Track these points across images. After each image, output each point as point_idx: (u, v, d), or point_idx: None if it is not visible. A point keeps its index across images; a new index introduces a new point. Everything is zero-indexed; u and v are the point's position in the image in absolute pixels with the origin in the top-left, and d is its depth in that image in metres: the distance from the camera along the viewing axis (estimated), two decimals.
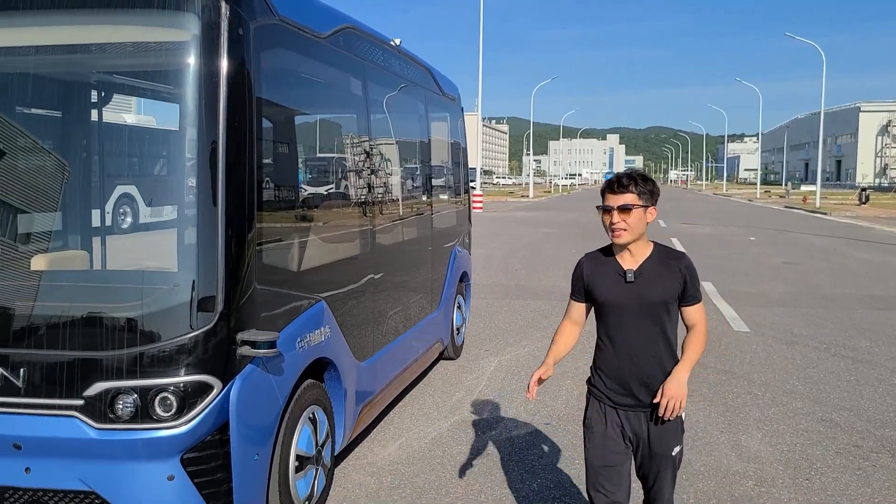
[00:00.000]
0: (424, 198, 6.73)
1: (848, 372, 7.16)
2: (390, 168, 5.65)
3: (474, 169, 40.37)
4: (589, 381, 3.11)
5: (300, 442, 3.83)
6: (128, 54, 3.76)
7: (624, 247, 2.95)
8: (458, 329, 7.52)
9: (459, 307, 7.58)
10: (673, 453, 2.99)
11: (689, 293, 2.95)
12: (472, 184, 38.22)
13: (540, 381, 3.07)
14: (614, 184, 2.93)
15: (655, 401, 2.88)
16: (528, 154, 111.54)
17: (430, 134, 6.88)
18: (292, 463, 3.76)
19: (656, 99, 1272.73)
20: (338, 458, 4.54)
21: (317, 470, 4.03)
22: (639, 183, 2.90)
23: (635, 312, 2.93)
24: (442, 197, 7.46)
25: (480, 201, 35.98)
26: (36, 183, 4.54)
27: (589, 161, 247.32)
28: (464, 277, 7.82)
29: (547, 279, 13.25)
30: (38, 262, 4.11)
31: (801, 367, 7.32)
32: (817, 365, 7.41)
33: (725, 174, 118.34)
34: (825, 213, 36.44)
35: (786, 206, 45.32)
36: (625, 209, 2.87)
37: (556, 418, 5.74)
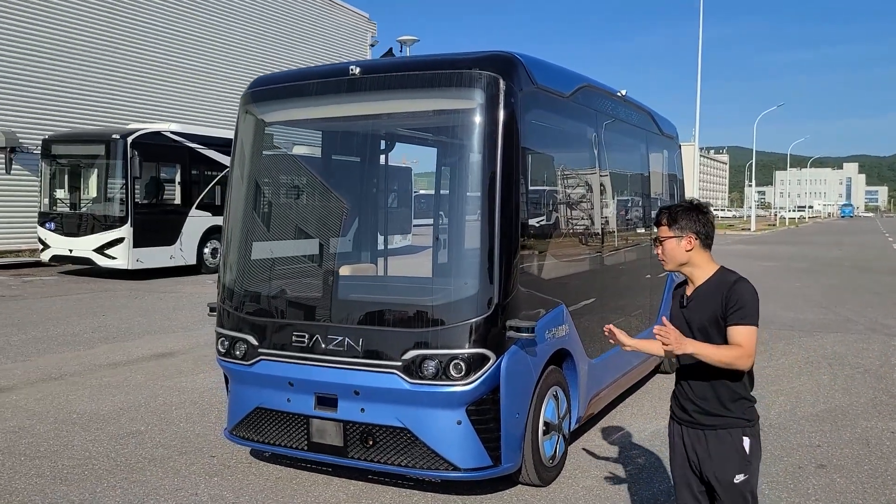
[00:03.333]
0: (645, 225, 7.60)
1: None
2: (616, 201, 6.63)
3: None
4: None
5: (547, 412, 4.91)
6: (431, 117, 5.14)
7: (686, 276, 3.16)
8: None
9: None
10: (735, 481, 2.97)
11: (728, 312, 2.95)
12: None
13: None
14: (655, 217, 3.21)
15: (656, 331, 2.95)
16: (749, 185, 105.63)
17: (650, 170, 7.76)
18: (541, 426, 4.84)
19: None
20: (570, 439, 5.53)
21: (558, 436, 5.08)
22: (671, 215, 3.11)
23: (687, 335, 3.01)
24: None
25: None
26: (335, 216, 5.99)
27: (822, 192, 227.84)
28: None
29: (764, 309, 13.22)
30: (345, 271, 5.61)
31: None
32: None
33: None
34: None
35: None
36: (658, 241, 3.16)
37: (766, 425, 6.30)
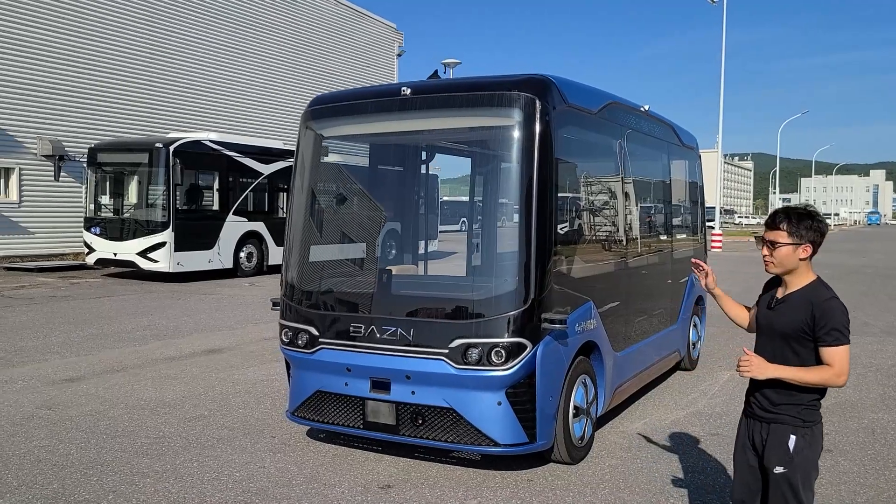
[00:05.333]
0: (667, 230, 8.13)
1: None
2: (640, 208, 7.16)
3: (713, 208, 39.85)
4: None
5: (576, 397, 5.46)
6: (473, 132, 5.73)
7: (781, 277, 3.25)
8: (693, 344, 8.75)
9: (695, 326, 8.80)
10: (776, 471, 3.14)
11: (818, 333, 3.05)
12: (712, 223, 37.39)
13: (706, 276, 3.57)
14: (771, 219, 3.22)
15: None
16: (773, 192, 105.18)
17: (671, 179, 8.30)
18: (571, 410, 5.39)
19: None
20: (597, 426, 6.06)
21: (587, 420, 5.62)
22: (792, 221, 3.14)
23: (767, 335, 3.24)
24: (681, 230, 8.79)
25: (720, 240, 35.58)
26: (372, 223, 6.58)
27: (848, 199, 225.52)
28: (699, 301, 9.01)
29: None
30: (394, 270, 6.22)
31: None
32: None
33: None
34: None
35: None
36: (773, 244, 3.16)
37: None
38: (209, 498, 4.89)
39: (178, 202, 17.41)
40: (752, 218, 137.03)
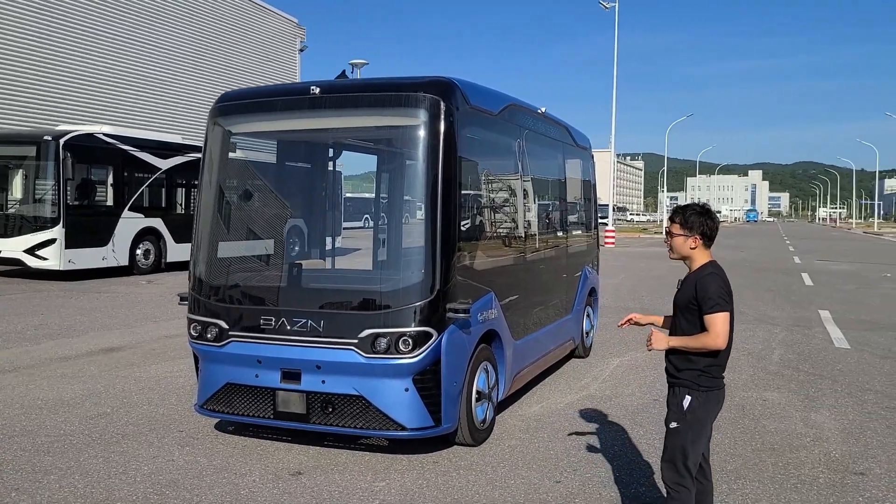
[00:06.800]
0: (563, 226, 8.61)
1: None
2: (538, 205, 7.58)
3: (606, 205, 41.54)
4: None
5: (479, 382, 5.78)
6: (380, 131, 5.95)
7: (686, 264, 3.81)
8: (587, 333, 9.29)
9: (588, 316, 9.35)
10: (670, 426, 3.68)
11: (700, 303, 3.59)
12: (605, 220, 39.03)
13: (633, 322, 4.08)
14: (671, 213, 3.82)
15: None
16: (662, 191, 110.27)
17: (566, 178, 8.78)
18: (474, 394, 5.70)
19: (804, 134, 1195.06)
20: (498, 410, 6.41)
21: (488, 404, 5.96)
22: (684, 215, 3.74)
23: (674, 311, 3.80)
24: (576, 225, 9.31)
25: (613, 237, 37.17)
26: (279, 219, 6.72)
27: (729, 198, 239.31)
28: (592, 292, 9.57)
29: (666, 304, 14.58)
30: (305, 264, 6.36)
31: (886, 374, 8.51)
32: None
33: (878, 212, 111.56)
34: None
35: None
36: (670, 234, 3.79)
37: (656, 402, 7.37)
38: (117, 492, 4.90)
39: (69, 197, 16.70)
40: (643, 215, 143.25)
